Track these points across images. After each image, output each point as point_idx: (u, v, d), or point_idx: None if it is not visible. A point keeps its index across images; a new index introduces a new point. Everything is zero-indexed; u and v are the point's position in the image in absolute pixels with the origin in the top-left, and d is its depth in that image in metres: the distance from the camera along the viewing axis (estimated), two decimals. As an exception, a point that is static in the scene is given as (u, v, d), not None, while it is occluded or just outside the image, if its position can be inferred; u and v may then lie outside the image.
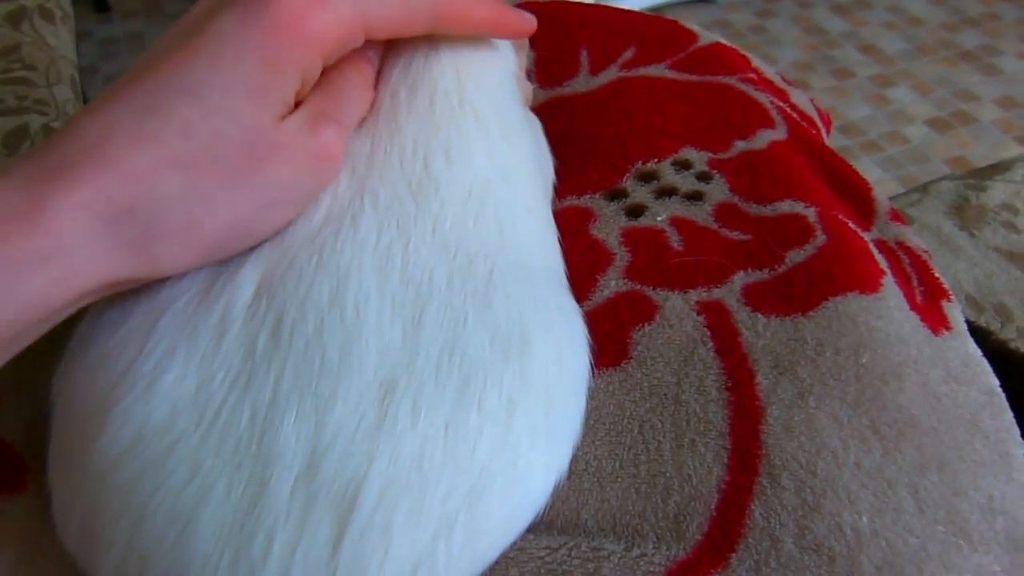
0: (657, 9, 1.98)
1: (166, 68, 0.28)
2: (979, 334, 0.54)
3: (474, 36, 0.39)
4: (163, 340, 0.29)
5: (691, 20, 0.63)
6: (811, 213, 0.45)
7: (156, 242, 0.28)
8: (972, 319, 0.70)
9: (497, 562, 0.32)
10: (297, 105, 0.31)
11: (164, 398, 0.28)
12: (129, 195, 0.27)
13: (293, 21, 0.28)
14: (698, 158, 0.49)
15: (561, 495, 0.34)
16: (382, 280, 0.30)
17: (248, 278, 0.30)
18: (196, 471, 0.27)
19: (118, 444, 0.28)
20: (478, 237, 0.33)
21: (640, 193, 0.47)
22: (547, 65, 0.56)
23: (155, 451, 0.28)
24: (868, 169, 1.68)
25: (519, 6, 0.60)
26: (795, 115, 0.55)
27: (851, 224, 0.45)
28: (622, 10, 0.62)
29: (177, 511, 0.27)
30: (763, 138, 0.50)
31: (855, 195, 0.49)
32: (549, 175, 0.44)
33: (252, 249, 0.31)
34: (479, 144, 0.35)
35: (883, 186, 1.64)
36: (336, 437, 0.27)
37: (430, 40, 0.36)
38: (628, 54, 0.56)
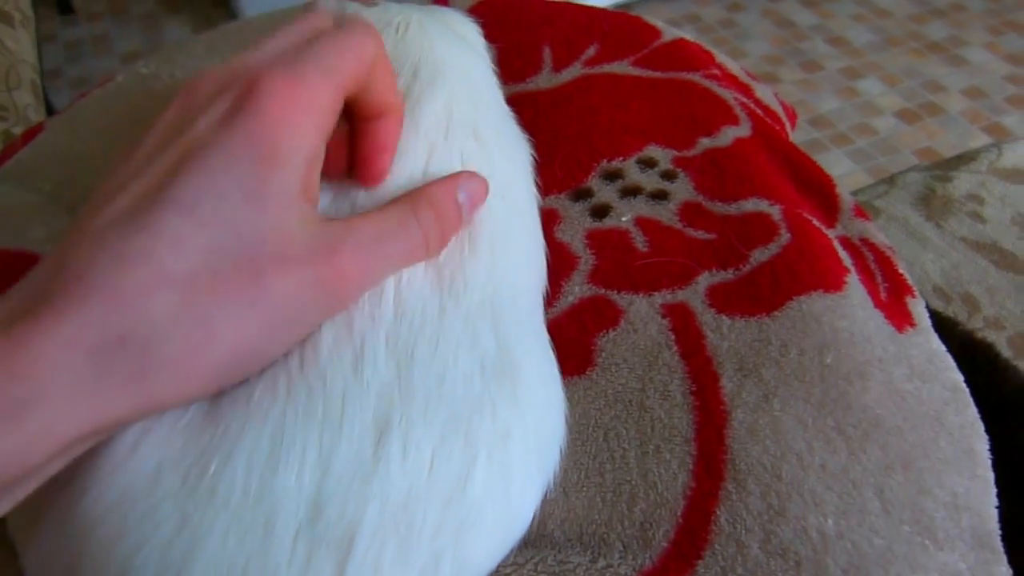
0: (627, 4, 1.97)
1: (148, 182, 0.25)
2: (946, 325, 0.54)
3: (455, 44, 0.40)
4: None
5: (661, 14, 0.62)
6: (776, 211, 0.44)
7: (152, 375, 0.24)
8: (939, 309, 0.70)
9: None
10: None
11: (148, 458, 0.27)
12: (120, 323, 0.23)
13: (281, 105, 0.26)
14: (663, 156, 0.48)
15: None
16: (377, 319, 0.30)
17: None
18: (185, 523, 0.27)
19: (102, 504, 0.27)
20: (472, 263, 0.32)
21: (605, 192, 0.46)
22: (509, 60, 0.55)
23: (140, 508, 0.27)
24: (838, 161, 1.69)
25: (481, 3, 0.60)
26: (759, 111, 0.55)
27: (815, 221, 0.45)
28: (585, 6, 0.61)
29: (166, 563, 0.26)
30: (727, 135, 0.50)
31: (819, 192, 0.49)
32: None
33: None
34: (481, 166, 0.35)
35: (853, 178, 1.65)
36: (338, 482, 0.27)
37: (418, 62, 0.37)
38: (591, 51, 0.56)
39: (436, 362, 0.29)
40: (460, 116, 0.36)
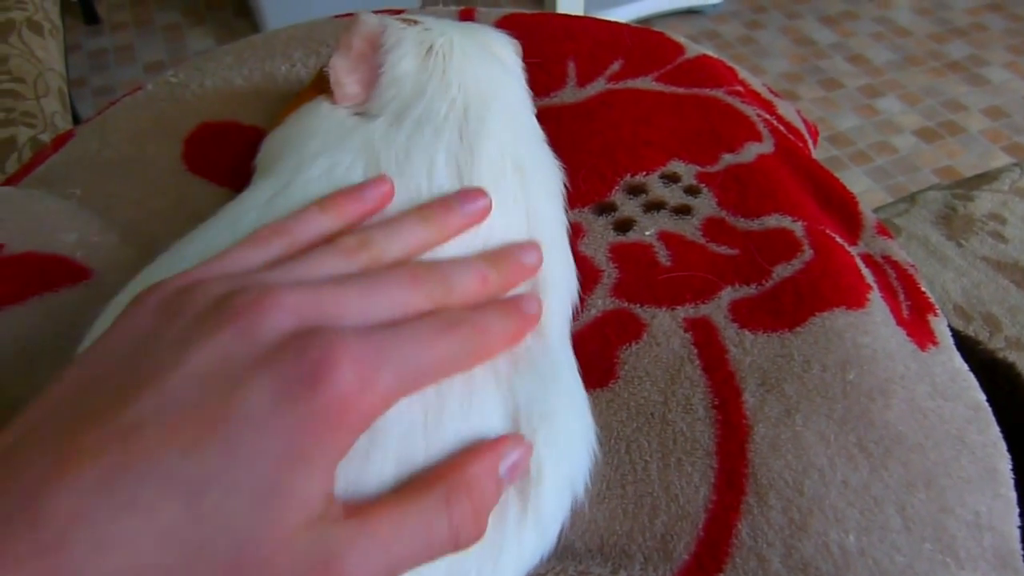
0: (646, 20, 1.98)
1: (163, 442, 0.21)
2: (967, 344, 0.54)
3: (495, 69, 0.41)
4: None
5: (680, 31, 0.63)
6: (798, 228, 0.45)
7: None
8: (960, 329, 0.70)
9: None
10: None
11: None
12: None
13: (341, 405, 0.23)
14: (686, 171, 0.49)
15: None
16: None
17: None
18: None
19: None
20: None
21: (629, 207, 0.47)
22: (534, 75, 0.56)
23: None
24: (857, 179, 1.69)
25: (505, 18, 0.60)
26: (782, 127, 0.55)
27: (838, 238, 0.45)
28: (608, 22, 0.62)
29: None
30: (750, 151, 0.50)
31: (842, 209, 0.49)
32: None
33: None
34: (521, 211, 0.36)
35: (872, 196, 1.64)
36: None
37: (467, 97, 0.38)
38: (615, 66, 0.56)
39: (468, 421, 0.29)
40: (510, 154, 0.37)
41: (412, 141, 0.36)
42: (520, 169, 0.37)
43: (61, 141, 0.56)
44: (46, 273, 0.44)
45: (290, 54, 0.58)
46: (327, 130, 0.37)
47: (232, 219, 0.35)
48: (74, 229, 0.47)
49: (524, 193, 0.37)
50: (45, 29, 1.11)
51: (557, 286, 0.37)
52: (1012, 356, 0.68)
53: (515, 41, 0.47)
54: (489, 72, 0.41)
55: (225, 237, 0.33)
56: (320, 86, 0.40)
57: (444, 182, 0.35)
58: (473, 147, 0.36)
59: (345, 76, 0.38)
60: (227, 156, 0.50)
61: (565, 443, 0.31)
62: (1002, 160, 1.72)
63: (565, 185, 0.43)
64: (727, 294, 0.41)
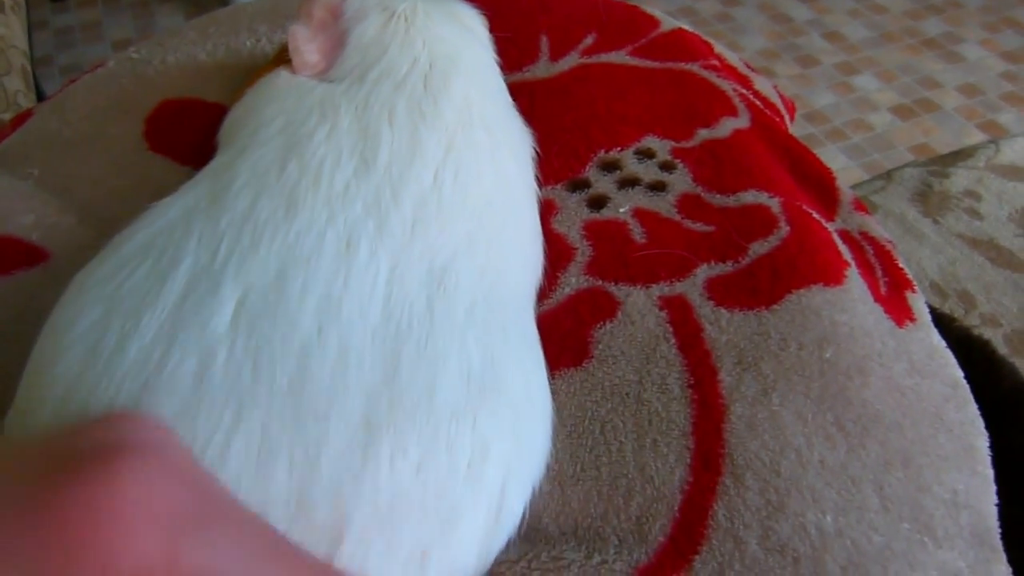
0: (623, -4, 1.96)
1: None
2: (942, 321, 0.54)
3: (462, 34, 0.40)
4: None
5: (657, 7, 0.62)
6: (775, 203, 0.44)
7: None
8: (936, 306, 0.70)
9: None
10: None
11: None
12: None
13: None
14: (661, 147, 0.48)
15: (521, 500, 0.33)
16: (363, 313, 0.29)
17: (227, 297, 0.29)
18: None
19: None
20: (467, 260, 0.32)
21: (602, 183, 0.46)
22: (506, 49, 0.54)
23: None
24: (833, 156, 1.69)
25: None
26: (758, 102, 0.54)
27: (815, 214, 0.44)
28: (583, -4, 0.61)
29: None
30: (726, 126, 0.49)
31: (819, 184, 0.48)
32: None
33: (231, 256, 0.29)
34: (487, 165, 0.35)
35: (848, 173, 1.64)
36: (329, 481, 0.27)
37: (433, 52, 0.37)
38: (588, 40, 0.55)
39: (423, 368, 0.29)
40: (476, 108, 0.36)
41: (372, 95, 0.35)
42: (486, 123, 0.36)
43: (20, 120, 0.54)
44: (1, 255, 0.42)
45: (255, 28, 0.56)
46: (285, 95, 0.36)
47: (185, 188, 0.34)
48: (31, 210, 0.45)
49: (492, 149, 0.36)
50: (6, 5, 1.07)
51: (520, 253, 0.36)
52: (987, 333, 0.68)
53: (482, 14, 0.46)
54: (455, 34, 0.40)
55: (176, 213, 0.32)
56: (282, 58, 0.39)
57: (406, 129, 0.34)
58: (437, 97, 0.35)
59: (304, 44, 0.37)
60: (190, 134, 0.48)
61: (515, 418, 0.31)
62: (977, 137, 1.73)
63: (536, 152, 0.42)
64: (703, 271, 0.41)
